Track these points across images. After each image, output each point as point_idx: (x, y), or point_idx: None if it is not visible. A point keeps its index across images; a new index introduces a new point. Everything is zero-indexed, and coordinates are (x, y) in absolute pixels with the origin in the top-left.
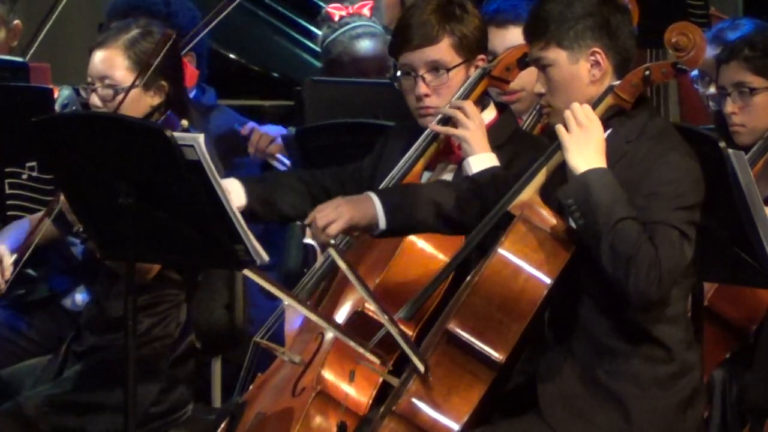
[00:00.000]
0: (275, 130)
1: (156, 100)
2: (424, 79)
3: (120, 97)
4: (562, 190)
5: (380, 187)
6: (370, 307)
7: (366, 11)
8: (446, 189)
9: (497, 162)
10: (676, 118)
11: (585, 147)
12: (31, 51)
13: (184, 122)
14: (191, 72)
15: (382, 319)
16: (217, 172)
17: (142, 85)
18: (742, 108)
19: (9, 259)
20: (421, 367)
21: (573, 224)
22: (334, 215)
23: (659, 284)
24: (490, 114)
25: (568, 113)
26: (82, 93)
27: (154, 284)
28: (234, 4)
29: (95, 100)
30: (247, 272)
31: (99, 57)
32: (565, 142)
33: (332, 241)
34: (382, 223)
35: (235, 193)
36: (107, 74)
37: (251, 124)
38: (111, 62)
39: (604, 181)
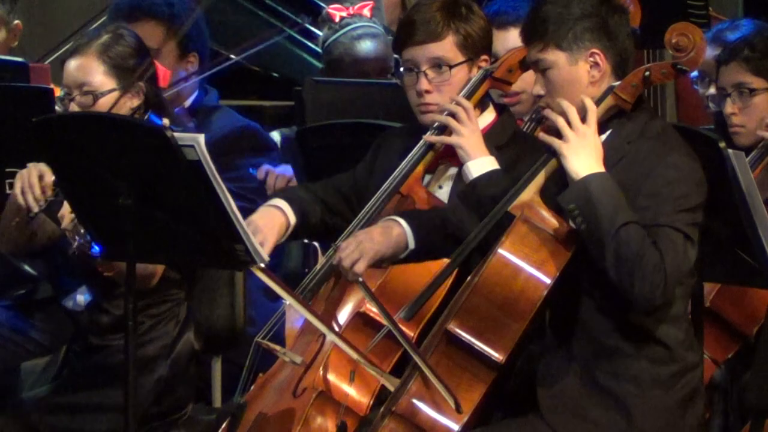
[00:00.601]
0: (291, 171)
1: (135, 102)
2: (426, 75)
3: (100, 102)
4: (562, 196)
5: (380, 190)
6: (373, 311)
7: (366, 12)
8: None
9: (496, 165)
10: (673, 119)
11: (582, 151)
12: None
13: (166, 121)
14: (164, 72)
15: (413, 355)
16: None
17: (121, 88)
18: (741, 109)
19: (50, 177)
20: (452, 402)
21: (574, 225)
22: (357, 254)
23: (664, 289)
24: (489, 115)
25: (561, 121)
26: (59, 105)
27: (157, 286)
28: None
29: (74, 108)
30: (254, 270)
31: (74, 65)
32: (562, 150)
33: (360, 279)
34: (412, 243)
35: (286, 210)
36: (84, 81)
37: (266, 167)
38: (87, 68)
39: (604, 186)
